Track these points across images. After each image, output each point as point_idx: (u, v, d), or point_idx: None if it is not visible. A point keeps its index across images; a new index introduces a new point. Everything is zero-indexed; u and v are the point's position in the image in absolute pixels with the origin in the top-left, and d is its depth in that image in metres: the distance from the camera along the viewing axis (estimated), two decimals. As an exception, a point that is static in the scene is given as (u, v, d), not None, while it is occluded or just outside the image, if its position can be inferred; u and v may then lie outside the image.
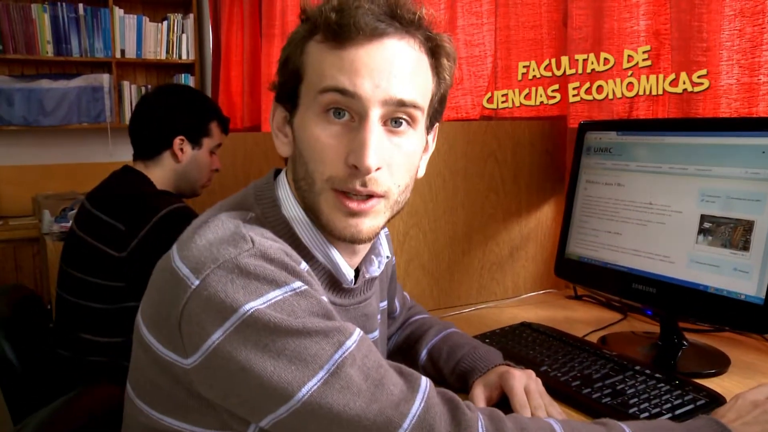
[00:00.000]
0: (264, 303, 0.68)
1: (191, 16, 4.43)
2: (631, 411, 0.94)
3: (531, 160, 1.62)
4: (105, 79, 4.23)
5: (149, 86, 4.41)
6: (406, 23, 0.79)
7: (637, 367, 1.07)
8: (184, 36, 4.42)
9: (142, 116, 1.86)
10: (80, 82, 4.20)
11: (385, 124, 0.79)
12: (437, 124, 0.91)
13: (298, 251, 0.80)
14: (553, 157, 1.65)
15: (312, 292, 0.72)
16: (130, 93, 4.32)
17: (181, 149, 1.82)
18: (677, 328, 1.22)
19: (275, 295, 0.69)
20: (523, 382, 0.96)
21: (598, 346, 1.19)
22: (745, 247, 1.05)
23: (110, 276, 1.65)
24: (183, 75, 4.47)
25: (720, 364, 1.15)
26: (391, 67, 0.77)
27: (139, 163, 1.84)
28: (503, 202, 1.60)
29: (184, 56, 4.43)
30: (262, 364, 0.67)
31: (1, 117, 4.00)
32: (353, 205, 0.78)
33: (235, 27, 3.79)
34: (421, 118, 0.82)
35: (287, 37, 0.85)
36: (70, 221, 3.19)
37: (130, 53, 4.27)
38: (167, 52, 4.38)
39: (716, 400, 0.96)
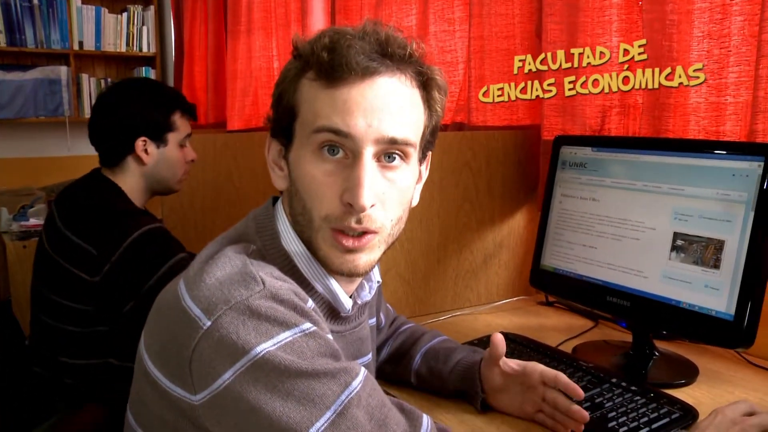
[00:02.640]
0: (275, 345, 0.70)
1: (152, 8, 4.36)
2: (610, 425, 0.98)
3: (504, 170, 1.66)
4: (63, 71, 4.13)
5: (109, 79, 4.32)
6: (397, 60, 0.81)
7: (614, 380, 1.11)
8: (144, 28, 4.34)
9: (99, 121, 1.74)
10: (36, 74, 4.09)
11: (378, 159, 0.81)
12: (430, 153, 0.93)
13: (299, 283, 0.81)
14: (525, 167, 1.68)
15: (320, 333, 0.74)
16: (90, 86, 4.23)
17: (146, 151, 1.71)
18: (649, 338, 1.27)
19: (285, 336, 0.71)
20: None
21: (574, 357, 1.23)
22: (716, 265, 1.10)
23: (83, 300, 1.60)
24: (144, 68, 4.40)
25: (689, 374, 1.20)
26: (384, 106, 0.79)
27: (106, 170, 1.75)
28: (477, 211, 1.63)
29: (144, 49, 4.36)
30: (272, 404, 0.68)
31: (-48, 109, 3.89)
32: (349, 243, 0.80)
33: (198, 21, 3.73)
34: (414, 152, 0.84)
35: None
36: (30, 219, 3.14)
37: (89, 45, 4.18)
38: (127, 44, 4.31)
39: (689, 412, 1.01)
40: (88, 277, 1.58)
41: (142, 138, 1.71)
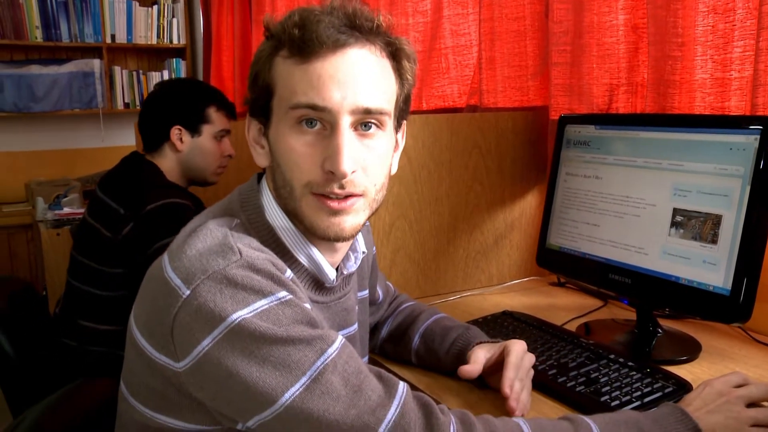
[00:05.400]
0: (250, 312, 0.72)
1: (181, 0, 4.42)
2: (602, 399, 0.99)
3: (514, 151, 1.66)
4: (96, 64, 4.23)
5: (141, 71, 4.41)
6: (365, 32, 0.83)
7: (612, 356, 1.12)
8: (174, 20, 4.42)
9: (143, 110, 1.95)
10: (71, 67, 4.20)
11: (355, 129, 0.83)
12: (405, 122, 0.96)
13: (281, 256, 0.84)
14: (535, 148, 1.68)
15: (296, 301, 0.77)
16: (122, 78, 4.33)
17: (180, 139, 1.87)
18: (652, 316, 1.27)
19: (261, 304, 0.74)
20: (525, 348, 1.02)
21: (576, 335, 1.24)
22: (714, 240, 1.09)
23: (107, 261, 1.73)
24: (175, 60, 4.47)
25: (691, 351, 1.20)
26: (356, 77, 0.82)
27: (147, 154, 1.92)
28: (487, 192, 1.64)
29: (175, 41, 4.44)
30: (248, 370, 0.71)
31: (-9, 103, 4.02)
32: (334, 204, 0.83)
33: (225, 11, 3.78)
34: (389, 120, 0.87)
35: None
36: (64, 208, 3.24)
37: (121, 38, 4.27)
38: (158, 36, 4.38)
39: (683, 387, 1.01)
40: (111, 235, 1.71)
41: (177, 127, 1.87)
